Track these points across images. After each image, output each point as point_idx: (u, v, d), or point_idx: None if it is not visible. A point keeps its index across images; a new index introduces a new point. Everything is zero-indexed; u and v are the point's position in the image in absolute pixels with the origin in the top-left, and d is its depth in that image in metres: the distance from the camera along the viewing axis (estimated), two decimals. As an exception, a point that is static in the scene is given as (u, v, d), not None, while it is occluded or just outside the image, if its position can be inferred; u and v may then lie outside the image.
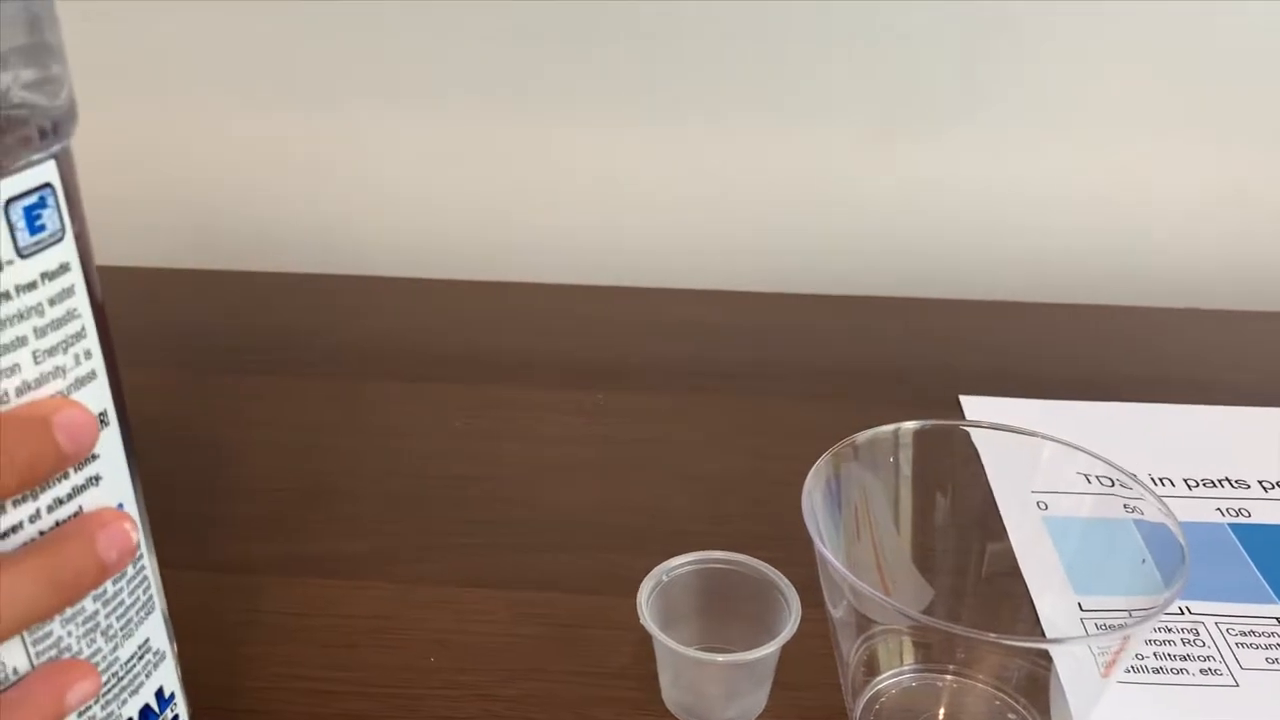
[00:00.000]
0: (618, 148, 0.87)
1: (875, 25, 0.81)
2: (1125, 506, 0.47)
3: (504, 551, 0.59)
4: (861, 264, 0.88)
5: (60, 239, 0.31)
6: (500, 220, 0.90)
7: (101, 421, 0.34)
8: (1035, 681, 0.46)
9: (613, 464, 0.66)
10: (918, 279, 0.88)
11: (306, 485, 0.64)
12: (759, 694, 0.49)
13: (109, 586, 0.35)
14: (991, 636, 0.40)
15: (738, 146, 0.86)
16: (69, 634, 0.33)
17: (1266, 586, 0.56)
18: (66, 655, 0.34)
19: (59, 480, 0.32)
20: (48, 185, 0.31)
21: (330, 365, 0.75)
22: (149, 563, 0.38)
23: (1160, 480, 0.63)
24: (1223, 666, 0.51)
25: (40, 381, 0.31)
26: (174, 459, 0.65)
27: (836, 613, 0.45)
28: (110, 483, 0.34)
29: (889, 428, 0.49)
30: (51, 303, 0.31)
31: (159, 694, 0.39)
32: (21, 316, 0.30)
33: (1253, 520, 0.60)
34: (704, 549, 0.51)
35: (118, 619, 0.36)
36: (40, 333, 0.31)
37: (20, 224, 0.30)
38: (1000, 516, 0.51)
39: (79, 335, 0.32)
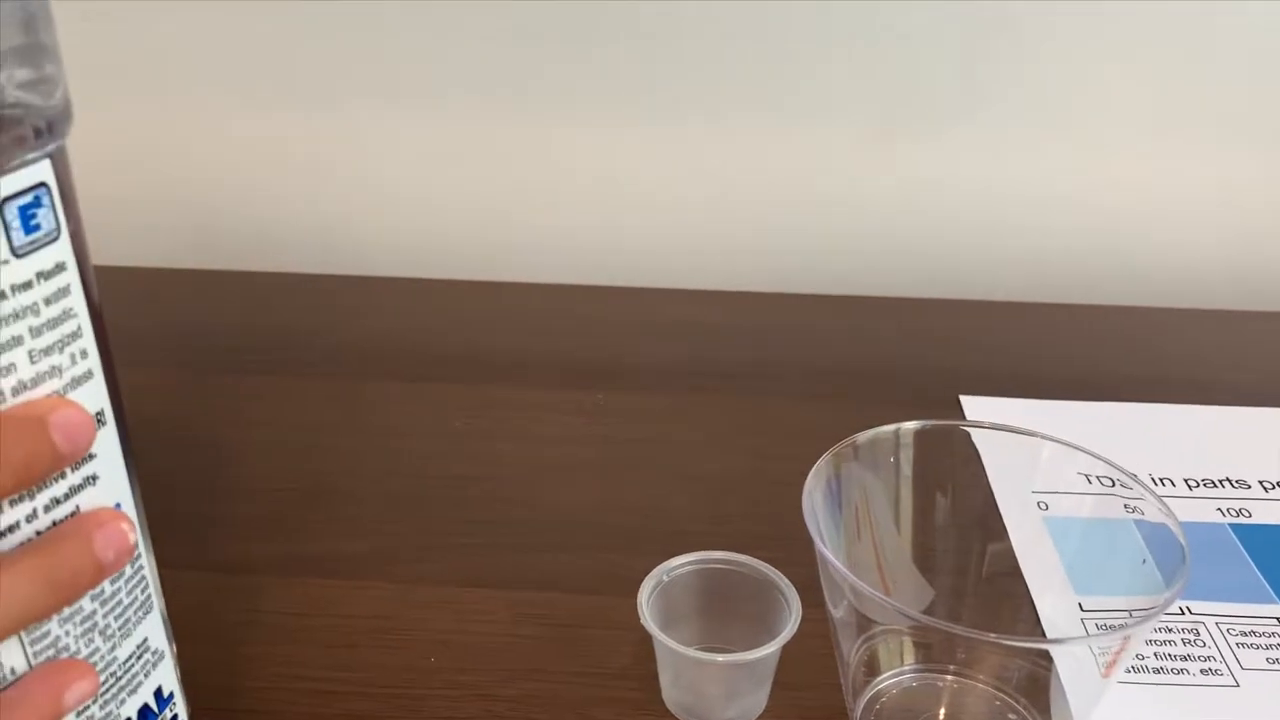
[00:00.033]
0: (618, 148, 0.87)
1: (875, 25, 0.81)
2: (1126, 507, 0.46)
3: (504, 551, 0.59)
4: (861, 264, 0.88)
5: (56, 238, 0.31)
6: (500, 220, 0.90)
7: (98, 421, 0.34)
8: (1036, 682, 0.46)
9: (612, 464, 0.66)
10: (918, 279, 0.88)
11: (306, 485, 0.64)
12: (759, 694, 0.49)
13: (107, 586, 0.35)
14: (992, 637, 0.40)
15: (738, 146, 0.86)
16: (67, 634, 0.33)
17: (1267, 587, 0.56)
18: (64, 655, 0.34)
19: (56, 480, 0.32)
20: (43, 185, 0.31)
21: (330, 365, 0.75)
22: (147, 562, 0.38)
23: (1160, 480, 0.63)
24: (1223, 667, 0.51)
25: (36, 381, 0.31)
26: (174, 459, 0.65)
27: (837, 613, 0.45)
28: (107, 482, 0.34)
29: (889, 428, 0.49)
30: (47, 302, 0.31)
31: (158, 694, 0.39)
32: (17, 316, 0.30)
33: (1253, 520, 0.60)
34: (704, 549, 0.51)
35: (115, 618, 0.35)
36: (36, 332, 0.31)
37: (15, 223, 0.30)
38: (1000, 516, 0.51)
39: (75, 335, 0.32)
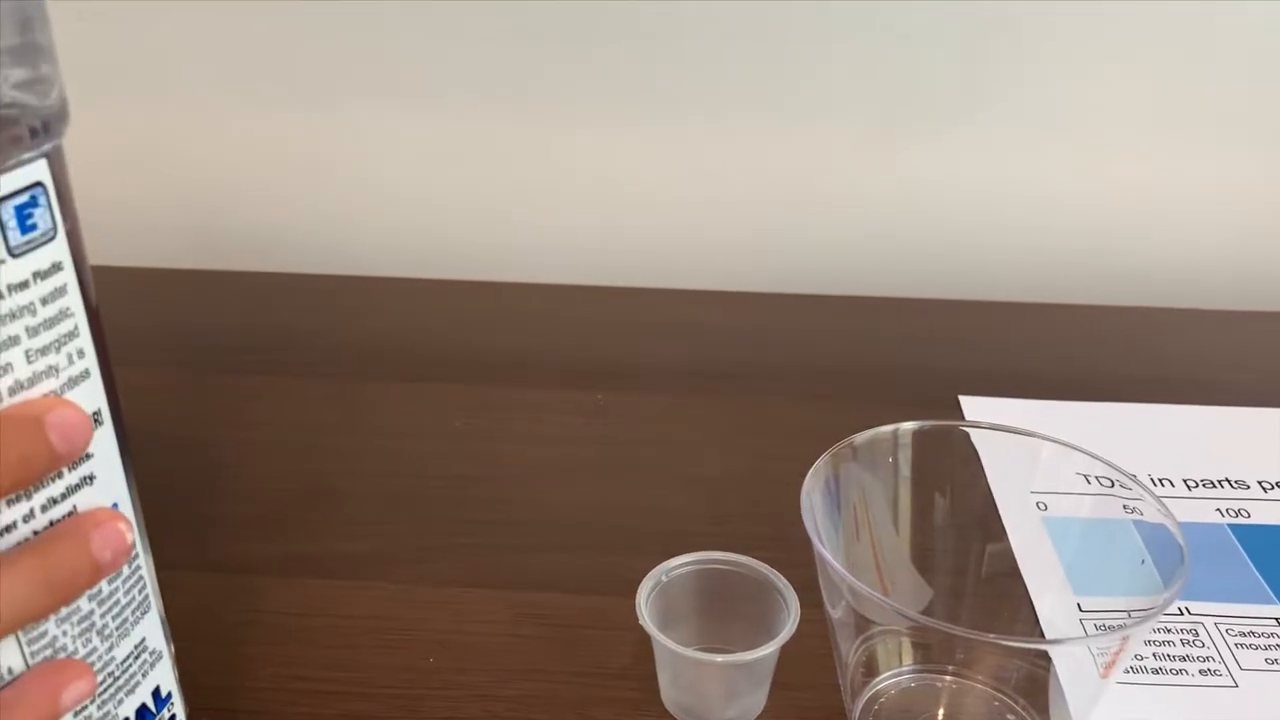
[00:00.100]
0: (618, 148, 0.87)
1: (875, 25, 0.81)
2: (1125, 507, 0.46)
3: (504, 551, 0.59)
4: (861, 264, 0.88)
5: (52, 238, 0.31)
6: (500, 220, 0.90)
7: (95, 421, 0.34)
8: (1034, 682, 0.46)
9: (612, 464, 0.66)
10: (918, 279, 0.87)
11: (306, 485, 0.64)
12: (758, 694, 0.49)
13: (104, 586, 0.35)
14: (991, 637, 0.40)
15: (738, 146, 0.86)
16: (64, 634, 0.33)
17: (1266, 587, 0.56)
18: (62, 655, 0.34)
19: (53, 480, 0.32)
20: (39, 184, 0.31)
21: (330, 365, 0.75)
22: (145, 562, 0.38)
23: (1160, 481, 0.63)
24: (1222, 667, 0.51)
25: (33, 381, 0.31)
26: (174, 459, 0.65)
27: (835, 613, 0.45)
28: (104, 482, 0.34)
29: (888, 428, 0.49)
30: (44, 302, 0.31)
31: (156, 694, 0.39)
32: (13, 316, 0.30)
33: (1252, 521, 0.60)
34: (703, 549, 0.51)
35: (113, 618, 0.35)
36: (33, 332, 0.31)
37: (12, 223, 0.30)
38: (999, 517, 0.51)
39: (72, 334, 0.32)
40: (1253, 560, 0.57)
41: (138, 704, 0.38)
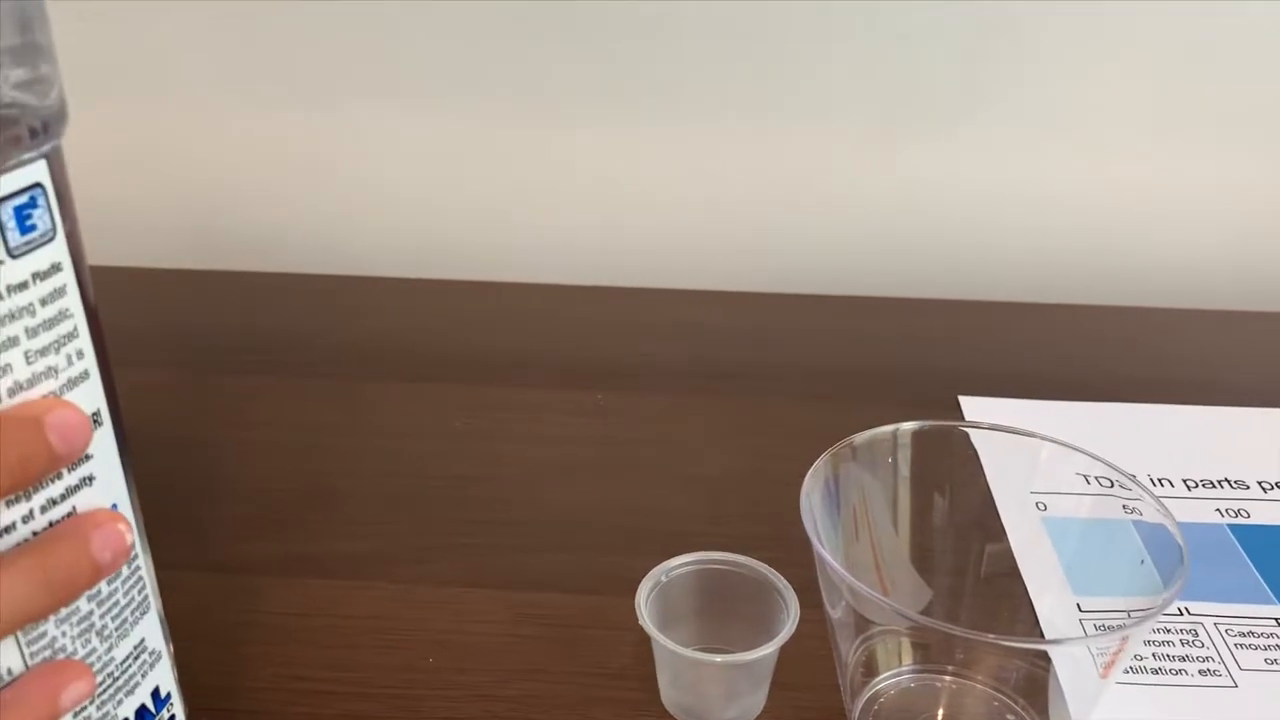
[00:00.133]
0: (618, 148, 0.86)
1: (875, 25, 0.81)
2: (1124, 507, 0.46)
3: (504, 551, 0.59)
4: (861, 264, 0.88)
5: (51, 239, 0.31)
6: (500, 220, 0.90)
7: (95, 422, 0.34)
8: (1034, 682, 0.46)
9: (612, 464, 0.66)
10: (918, 279, 0.87)
11: (306, 485, 0.64)
12: (758, 695, 0.49)
13: (103, 587, 0.35)
14: (990, 637, 0.40)
15: (738, 146, 0.86)
16: (63, 634, 0.33)
17: (1265, 587, 0.56)
18: (61, 656, 0.34)
19: (52, 481, 0.32)
20: (38, 185, 0.31)
21: (330, 365, 0.75)
22: (144, 563, 0.38)
23: (1159, 481, 0.63)
24: (1221, 667, 0.51)
25: (32, 382, 0.31)
26: (175, 459, 0.65)
27: (835, 613, 0.45)
28: (104, 483, 0.34)
29: (888, 428, 0.49)
30: (43, 303, 0.31)
31: (155, 694, 0.39)
32: (13, 317, 0.30)
33: (1252, 521, 0.60)
34: (703, 549, 0.51)
35: (112, 619, 0.35)
36: (32, 333, 0.31)
37: (11, 224, 0.30)
38: (999, 517, 0.51)
39: (71, 335, 0.32)
40: (1252, 560, 0.57)
41: (137, 704, 0.38)
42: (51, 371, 0.32)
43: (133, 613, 0.37)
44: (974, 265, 0.88)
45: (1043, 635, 0.50)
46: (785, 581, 0.49)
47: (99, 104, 0.78)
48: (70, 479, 0.33)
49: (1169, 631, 0.53)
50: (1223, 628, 0.53)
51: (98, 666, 0.35)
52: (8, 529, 0.31)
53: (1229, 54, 0.80)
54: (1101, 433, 0.57)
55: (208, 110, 0.87)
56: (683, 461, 0.66)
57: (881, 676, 0.48)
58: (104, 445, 0.34)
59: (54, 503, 0.32)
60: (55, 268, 0.32)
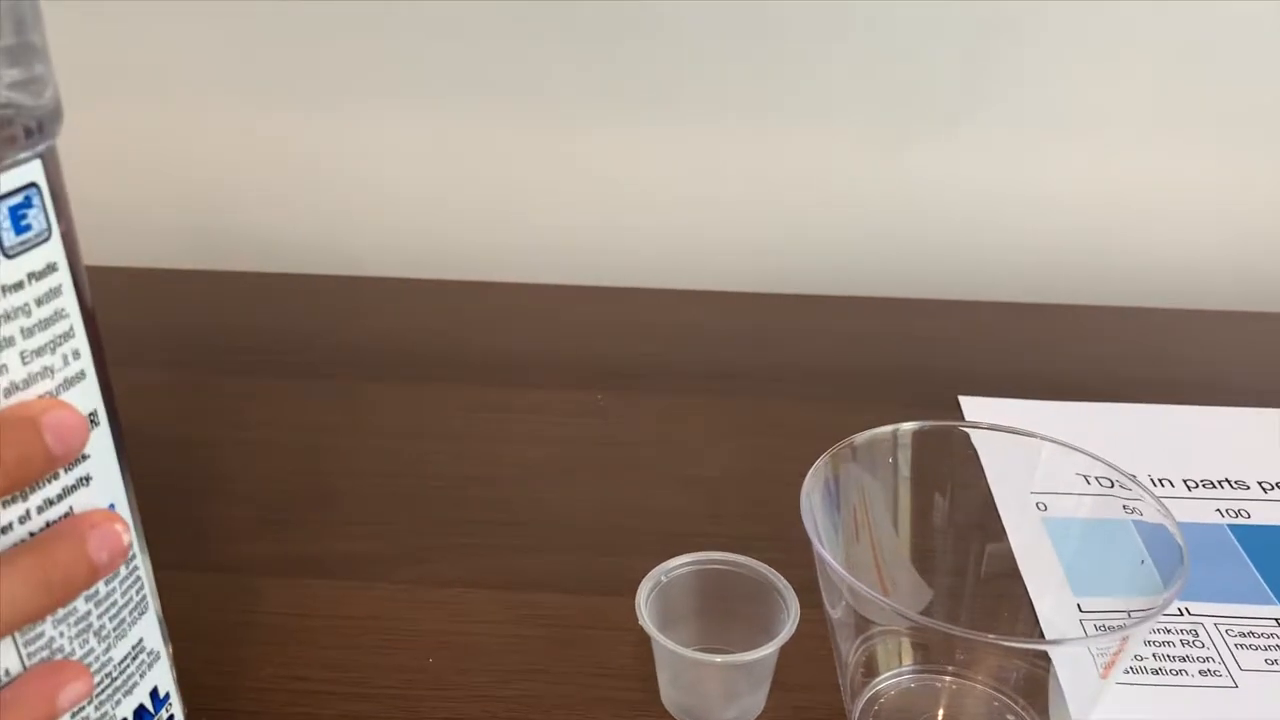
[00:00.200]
0: (618, 148, 0.86)
1: (875, 25, 0.81)
2: (1124, 507, 0.46)
3: (504, 551, 0.59)
4: (861, 264, 0.88)
5: (47, 239, 0.31)
6: (500, 220, 0.90)
7: (91, 422, 0.34)
8: (1034, 682, 0.46)
9: (613, 464, 0.66)
10: (918, 279, 0.87)
11: (306, 485, 0.64)
12: (758, 695, 0.49)
13: (101, 587, 0.35)
14: (990, 637, 0.40)
15: (738, 146, 0.86)
16: (61, 635, 0.33)
17: (1266, 587, 0.56)
18: (59, 656, 0.34)
19: (49, 481, 0.32)
20: (33, 185, 0.31)
21: (330, 365, 0.75)
22: (142, 563, 0.38)
23: (1159, 481, 0.63)
24: (1222, 668, 0.51)
25: (28, 382, 0.31)
26: (174, 459, 0.65)
27: (835, 614, 0.45)
28: (101, 483, 0.34)
29: (888, 428, 0.49)
30: (39, 303, 0.31)
31: (154, 694, 0.39)
32: (8, 317, 0.30)
33: (1252, 521, 0.60)
34: (703, 550, 0.51)
35: (110, 619, 0.35)
36: (28, 333, 0.31)
37: (6, 224, 0.30)
38: (999, 517, 0.51)
39: (67, 335, 0.32)
40: (1253, 560, 0.57)
41: (135, 705, 0.38)
42: (47, 372, 0.32)
43: (131, 613, 0.37)
44: (974, 265, 0.88)
45: (1043, 635, 0.50)
46: (785, 581, 0.49)
47: (98, 104, 0.78)
48: (67, 479, 0.33)
49: (1169, 632, 0.53)
50: (1223, 628, 0.53)
51: (96, 667, 0.35)
52: (4, 529, 0.31)
53: (1229, 53, 0.80)
54: (1101, 433, 0.57)
55: (208, 110, 0.87)
56: (683, 462, 0.66)
57: (882, 677, 0.48)
58: (101, 445, 0.34)
59: (51, 503, 0.32)
60: (50, 268, 0.32)
